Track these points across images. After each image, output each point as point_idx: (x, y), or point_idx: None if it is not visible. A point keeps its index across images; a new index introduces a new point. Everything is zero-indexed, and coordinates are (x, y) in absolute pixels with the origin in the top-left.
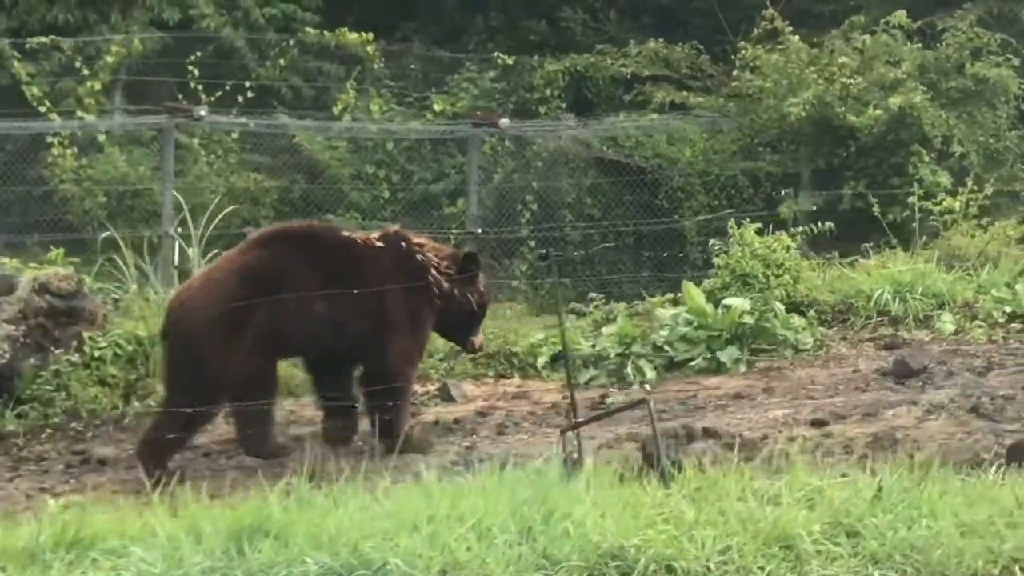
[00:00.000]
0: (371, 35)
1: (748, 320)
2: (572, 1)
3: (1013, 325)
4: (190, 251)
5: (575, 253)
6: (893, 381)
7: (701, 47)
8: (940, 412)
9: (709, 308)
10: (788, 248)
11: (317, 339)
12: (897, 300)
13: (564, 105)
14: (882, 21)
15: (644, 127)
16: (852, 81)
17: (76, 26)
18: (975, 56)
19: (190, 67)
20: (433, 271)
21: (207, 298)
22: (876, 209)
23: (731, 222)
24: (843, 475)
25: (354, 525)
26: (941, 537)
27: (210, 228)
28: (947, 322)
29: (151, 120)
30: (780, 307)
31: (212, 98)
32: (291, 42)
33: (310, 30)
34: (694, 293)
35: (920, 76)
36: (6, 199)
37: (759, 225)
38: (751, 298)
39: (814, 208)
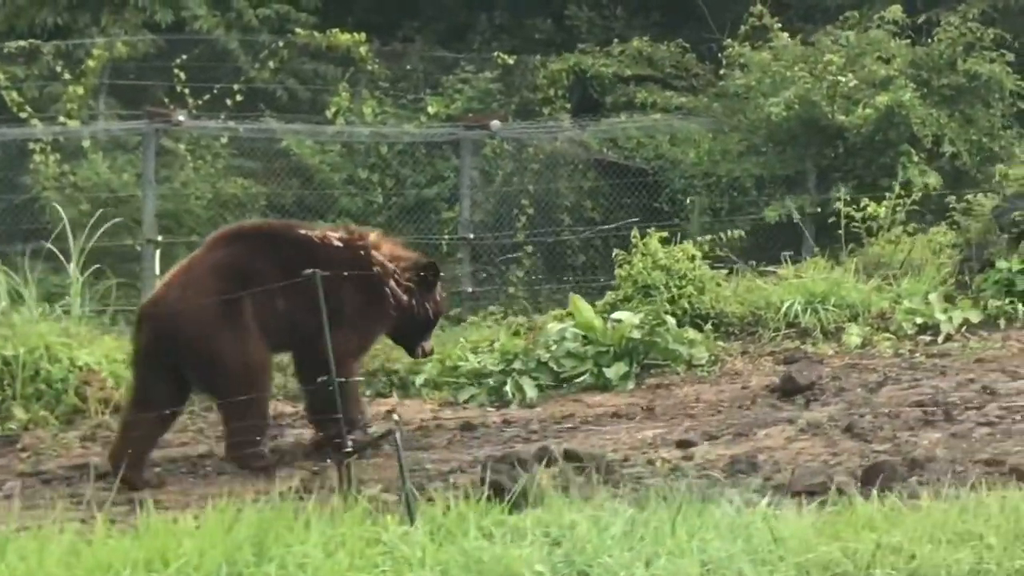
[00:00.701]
0: (363, 35)
1: (637, 335)
2: None
3: (922, 337)
4: (70, 267)
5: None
6: (779, 398)
7: (687, 45)
8: (815, 431)
9: (597, 322)
10: (693, 258)
11: (280, 337)
12: (808, 312)
13: (569, 106)
14: (876, 16)
15: (646, 128)
16: (842, 79)
17: (66, 29)
18: (968, 52)
19: (177, 71)
20: (392, 282)
21: (197, 295)
22: (796, 215)
23: (634, 231)
24: (601, 506)
25: (42, 572)
26: None
27: (91, 242)
28: (853, 335)
29: (130, 126)
30: (672, 321)
31: (200, 101)
32: (281, 44)
33: (300, 31)
34: (582, 307)
35: (912, 73)
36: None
37: (665, 234)
38: (643, 311)
39: (819, 210)
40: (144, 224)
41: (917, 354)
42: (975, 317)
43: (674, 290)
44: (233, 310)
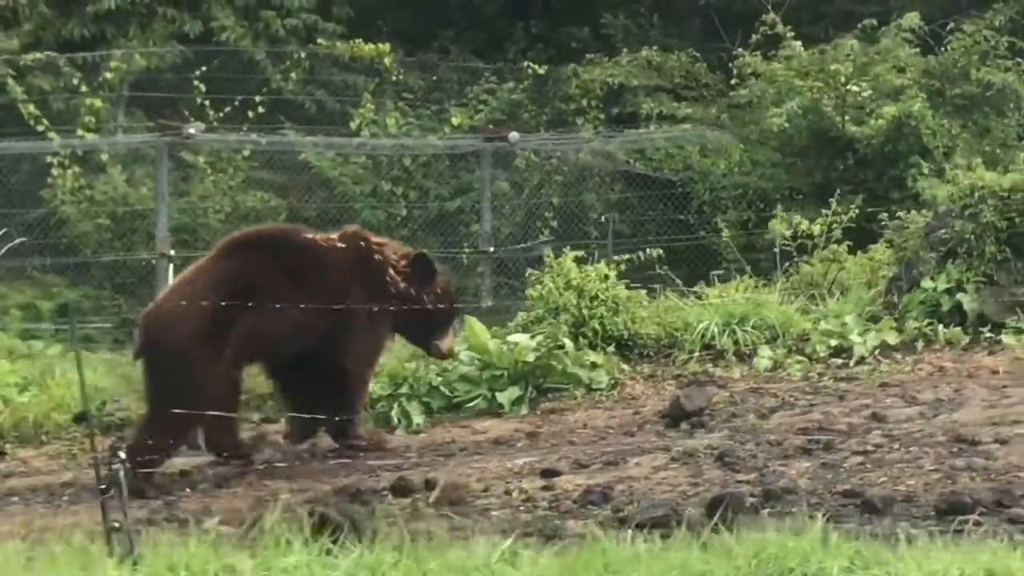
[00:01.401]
0: (387, 46)
1: (532, 358)
2: (613, 6)
3: (835, 360)
4: None
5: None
6: (666, 425)
7: (697, 55)
8: (686, 461)
9: (492, 345)
10: (606, 277)
11: (288, 342)
12: (725, 333)
13: (602, 116)
14: (892, 24)
15: (673, 138)
16: (856, 88)
17: (94, 41)
18: (983, 61)
19: (197, 82)
20: (390, 270)
21: (187, 312)
22: (725, 233)
23: (548, 250)
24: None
25: None
26: None
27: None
28: (764, 357)
29: (142, 139)
30: (570, 344)
31: (221, 114)
32: (303, 55)
33: (322, 42)
34: (478, 330)
35: (926, 83)
36: (22, 221)
37: (581, 252)
38: (542, 333)
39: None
40: (157, 239)
41: (826, 378)
42: (893, 339)
43: (584, 311)
44: (218, 333)
